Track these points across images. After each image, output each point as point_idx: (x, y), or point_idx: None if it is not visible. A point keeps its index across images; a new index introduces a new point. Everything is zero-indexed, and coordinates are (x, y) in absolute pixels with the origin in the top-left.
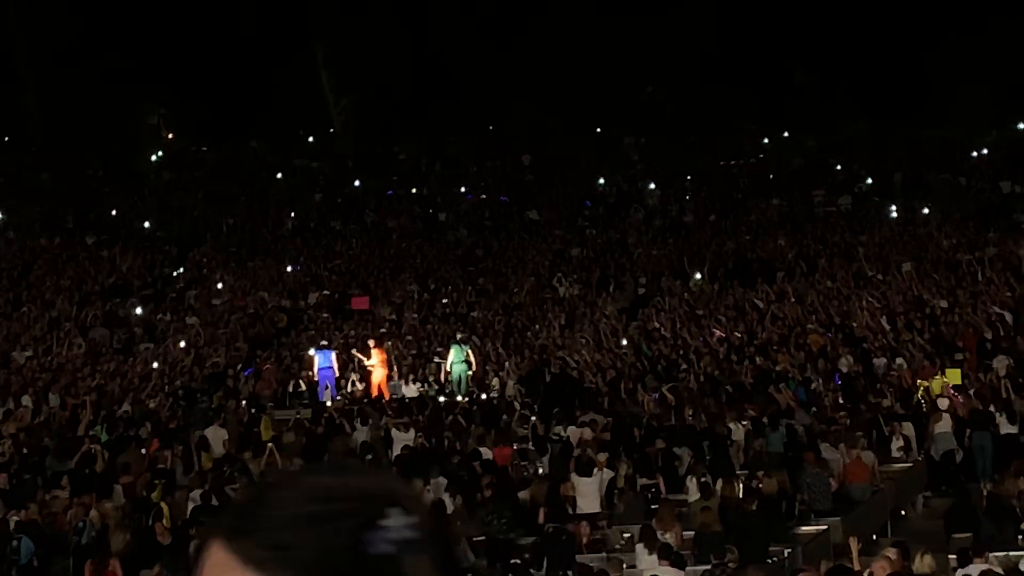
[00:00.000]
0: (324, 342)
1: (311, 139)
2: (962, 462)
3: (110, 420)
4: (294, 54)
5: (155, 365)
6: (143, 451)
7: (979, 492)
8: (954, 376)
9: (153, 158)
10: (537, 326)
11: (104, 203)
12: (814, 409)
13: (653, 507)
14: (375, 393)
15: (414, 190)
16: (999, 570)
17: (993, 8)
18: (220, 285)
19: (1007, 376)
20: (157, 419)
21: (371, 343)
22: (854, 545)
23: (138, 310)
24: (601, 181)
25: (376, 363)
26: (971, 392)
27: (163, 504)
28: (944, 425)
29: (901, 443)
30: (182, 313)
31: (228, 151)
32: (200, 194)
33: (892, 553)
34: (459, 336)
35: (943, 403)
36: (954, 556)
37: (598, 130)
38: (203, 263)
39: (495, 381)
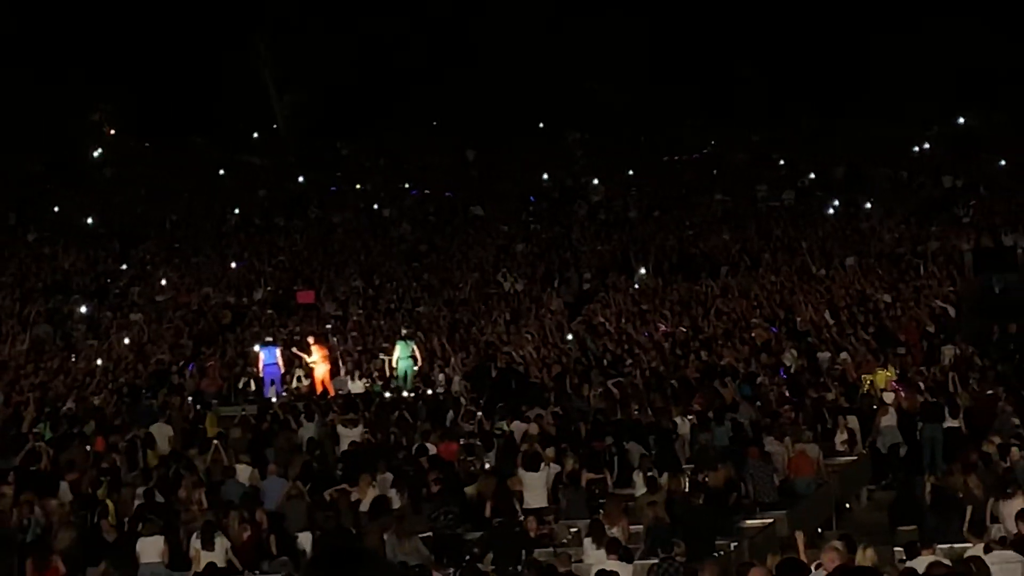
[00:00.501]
0: (269, 338)
1: (255, 135)
2: (906, 455)
3: (54, 417)
4: (237, 50)
5: (99, 362)
6: (88, 448)
7: (923, 485)
8: (891, 372)
9: (95, 154)
10: (482, 321)
11: (46, 200)
12: (759, 403)
13: (602, 501)
14: (320, 389)
15: (358, 186)
16: (947, 562)
17: (934, 5)
18: (164, 281)
19: (953, 368)
20: (102, 416)
21: (311, 340)
22: (800, 539)
23: (82, 308)
24: (545, 177)
25: (317, 359)
26: (920, 385)
27: (108, 502)
28: (890, 419)
29: (845, 436)
30: (126, 310)
31: (171, 147)
32: (143, 190)
33: (839, 545)
34: (404, 332)
35: (888, 397)
36: (900, 548)
37: (541, 125)
38: (146, 259)
39: (441, 376)
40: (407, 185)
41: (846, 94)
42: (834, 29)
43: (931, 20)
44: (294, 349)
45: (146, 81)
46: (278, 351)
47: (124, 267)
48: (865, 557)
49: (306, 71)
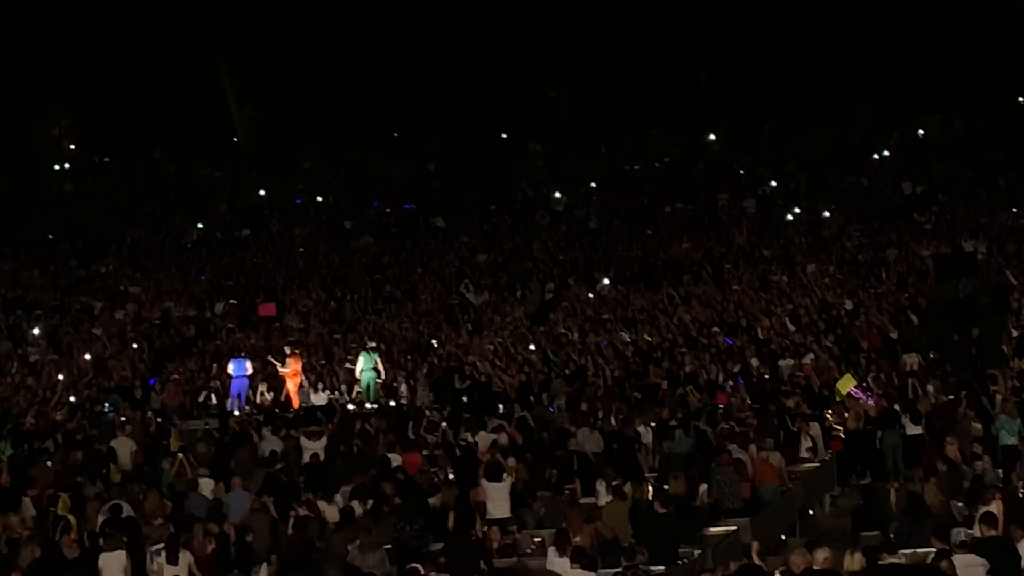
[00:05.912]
0: (241, 352)
1: (215, 149)
2: (869, 461)
3: (15, 433)
4: (197, 64)
5: (60, 377)
6: (49, 464)
7: (885, 491)
8: (847, 382)
9: (56, 169)
10: (443, 335)
11: (6, 215)
12: (721, 409)
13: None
14: (292, 402)
15: (319, 198)
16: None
17: (891, 11)
18: (126, 297)
19: (912, 374)
20: (64, 432)
21: (287, 350)
22: (755, 548)
23: (35, 328)
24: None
25: (290, 371)
26: (879, 393)
27: (71, 517)
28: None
29: (809, 444)
30: (87, 325)
31: (131, 161)
32: (104, 205)
33: (806, 549)
34: (369, 344)
35: (851, 404)
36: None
37: (504, 136)
38: (107, 275)
39: (404, 388)
40: (375, 204)
41: (805, 101)
42: (793, 35)
43: (891, 25)
44: (269, 357)
45: (106, 96)
46: (248, 363)
47: (85, 283)
48: (854, 561)
49: (266, 83)
